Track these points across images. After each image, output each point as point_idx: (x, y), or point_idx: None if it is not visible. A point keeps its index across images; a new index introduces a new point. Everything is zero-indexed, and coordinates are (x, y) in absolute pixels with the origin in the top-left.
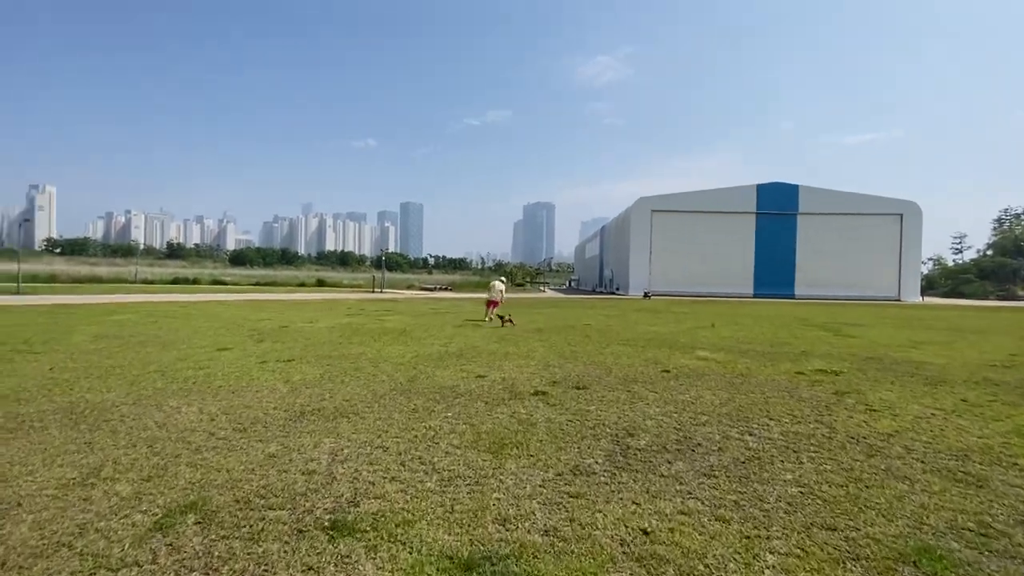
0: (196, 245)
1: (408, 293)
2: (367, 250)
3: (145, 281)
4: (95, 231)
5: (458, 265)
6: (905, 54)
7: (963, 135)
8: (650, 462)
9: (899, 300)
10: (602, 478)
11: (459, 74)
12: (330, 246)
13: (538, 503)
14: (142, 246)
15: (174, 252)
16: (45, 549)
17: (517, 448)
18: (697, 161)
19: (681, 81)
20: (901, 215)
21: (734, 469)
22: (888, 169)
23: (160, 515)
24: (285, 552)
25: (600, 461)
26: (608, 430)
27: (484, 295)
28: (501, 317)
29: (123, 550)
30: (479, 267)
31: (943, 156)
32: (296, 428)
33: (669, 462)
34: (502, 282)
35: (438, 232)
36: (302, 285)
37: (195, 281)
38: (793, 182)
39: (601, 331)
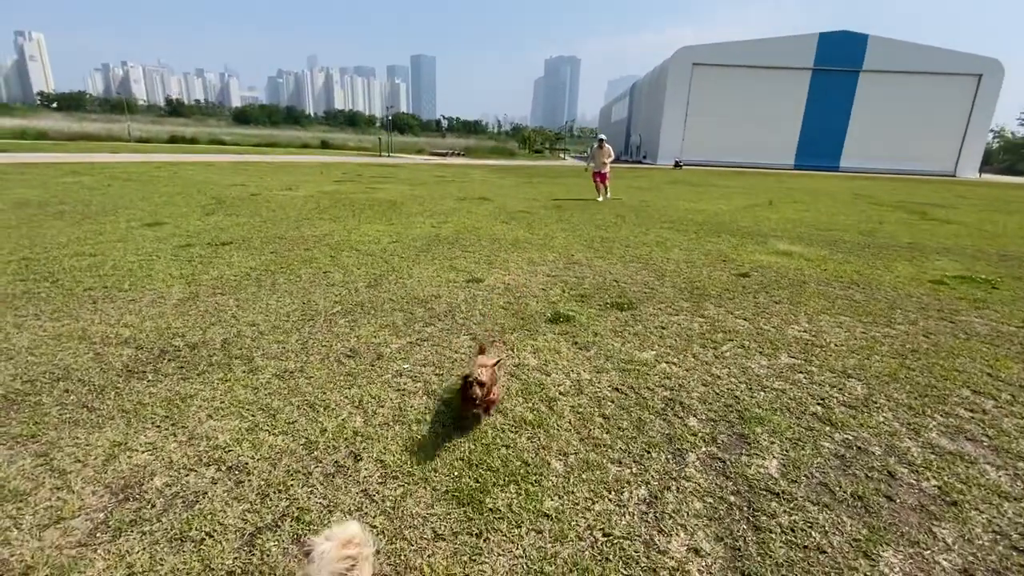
0: (198, 102)
1: (417, 158)
2: (377, 109)
3: (140, 140)
4: (94, 85)
5: (473, 128)
6: None
7: None
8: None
9: (954, 176)
10: None
11: None
12: (338, 104)
13: None
14: (142, 102)
15: (175, 109)
16: None
17: (516, 485)
18: (741, 9)
19: None
20: (980, 76)
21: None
22: (968, 24)
23: None
24: None
25: (707, 542)
26: (697, 420)
27: (500, 163)
28: None
29: None
30: (495, 131)
31: None
32: (115, 395)
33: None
34: (605, 144)
35: (452, 92)
36: (305, 147)
37: (193, 140)
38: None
39: (636, 209)
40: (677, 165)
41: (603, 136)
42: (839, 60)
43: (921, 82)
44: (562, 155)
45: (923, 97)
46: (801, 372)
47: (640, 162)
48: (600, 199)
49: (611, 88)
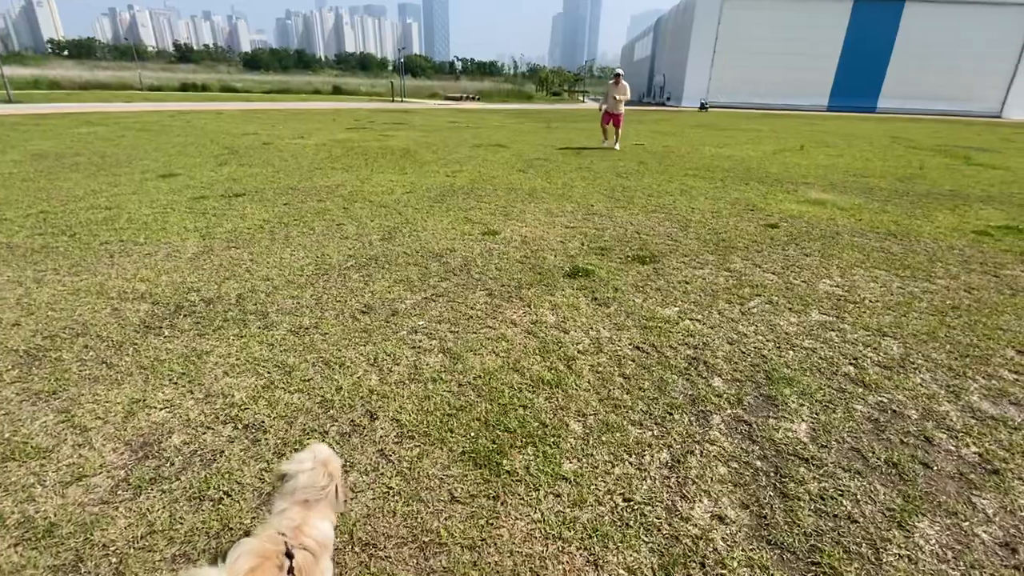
0: (206, 46)
1: (431, 103)
2: (389, 52)
3: (152, 88)
4: (102, 30)
5: (488, 70)
6: None
7: None
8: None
9: (1000, 117)
10: None
11: None
12: (349, 47)
13: None
14: (151, 48)
15: (184, 55)
16: None
17: (534, 447)
18: None
19: None
20: None
21: None
22: None
23: None
24: None
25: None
26: (722, 381)
27: (516, 107)
28: None
29: None
30: (512, 72)
31: None
32: (133, 351)
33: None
34: (622, 79)
35: (467, 32)
36: (317, 92)
37: (204, 88)
38: None
39: (659, 156)
40: (703, 107)
41: (620, 70)
42: None
43: (973, 12)
44: (581, 97)
45: (972, 29)
46: (833, 330)
47: (664, 104)
48: (606, 144)
49: (635, 24)
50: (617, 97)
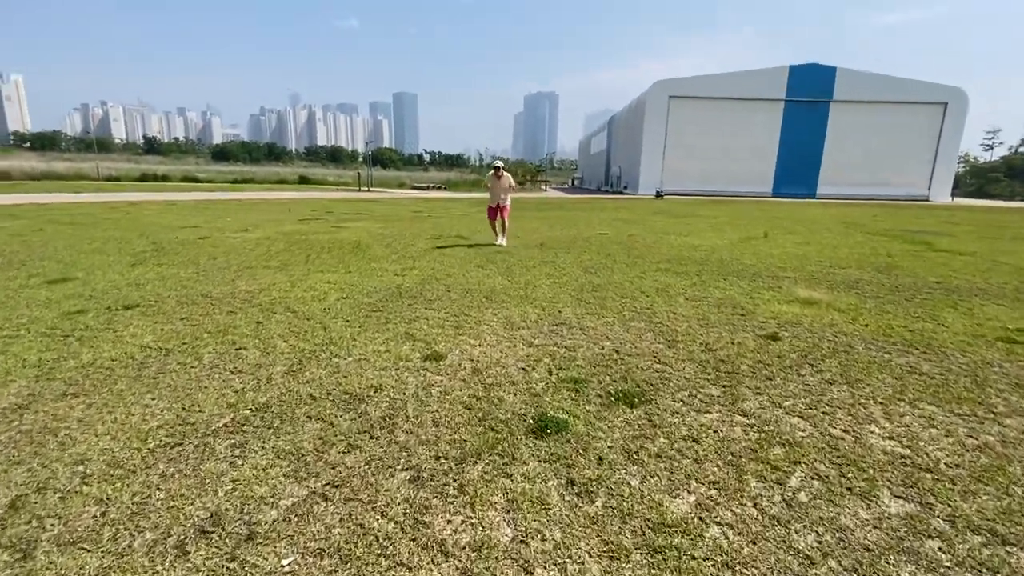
0: (176, 139)
1: (398, 192)
2: (360, 145)
3: (109, 178)
4: (72, 125)
5: (455, 162)
6: None
7: (1018, 14)
8: None
9: (927, 199)
10: None
11: None
12: (321, 141)
13: None
14: (119, 141)
15: (153, 147)
16: None
17: None
18: (705, 41)
19: None
20: (945, 104)
21: None
22: (926, 59)
23: None
24: None
25: None
26: None
27: (481, 195)
28: None
29: None
30: (477, 163)
31: (993, 40)
32: None
33: None
34: (503, 170)
35: (434, 128)
36: (282, 183)
37: (164, 178)
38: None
39: (626, 246)
40: (659, 195)
41: (499, 162)
42: (810, 91)
43: (890, 111)
44: (543, 187)
45: (893, 125)
46: (928, 534)
47: (621, 192)
48: (499, 242)
49: (589, 121)
50: (502, 194)
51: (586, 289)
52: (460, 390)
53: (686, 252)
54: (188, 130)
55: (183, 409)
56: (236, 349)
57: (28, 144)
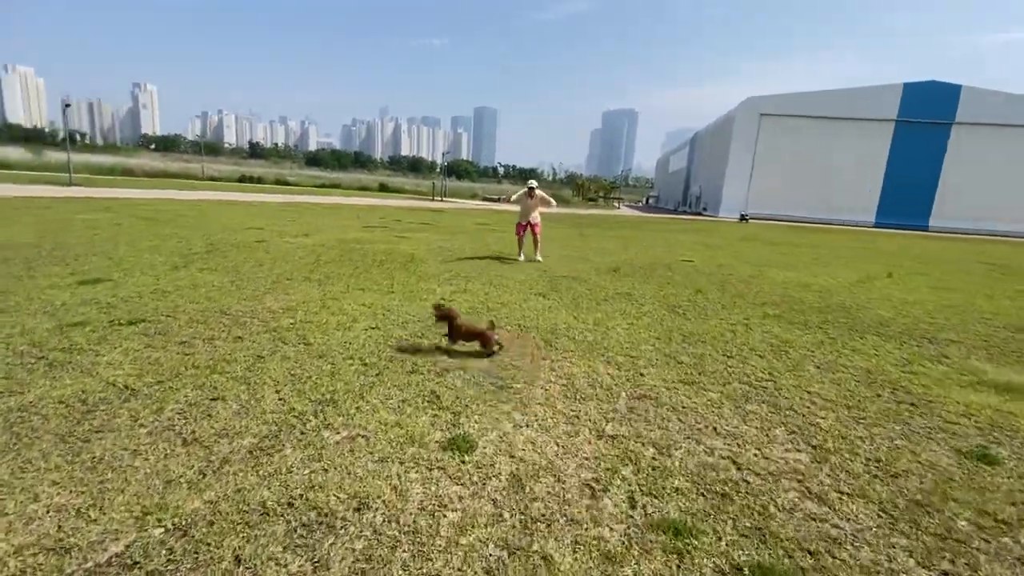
0: (276, 145)
1: (469, 203)
2: (439, 158)
3: (212, 178)
4: (193, 129)
5: (528, 175)
6: None
7: None
8: None
9: None
10: None
11: None
12: (405, 151)
13: None
14: (228, 145)
15: (255, 152)
16: None
17: None
18: (804, 62)
19: None
20: None
21: None
22: None
23: None
24: None
25: None
26: None
27: (551, 210)
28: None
29: None
30: (550, 178)
31: None
32: None
33: None
34: (537, 189)
35: (511, 142)
36: (364, 189)
37: (259, 180)
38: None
39: (717, 278)
40: (743, 218)
41: (534, 182)
42: (927, 112)
43: (1020, 134)
44: (616, 204)
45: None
46: None
47: (700, 213)
48: (521, 259)
49: (669, 139)
50: (533, 212)
51: (675, 338)
52: (486, 526)
53: (795, 292)
54: (287, 137)
55: (75, 513)
56: (211, 400)
57: (153, 146)
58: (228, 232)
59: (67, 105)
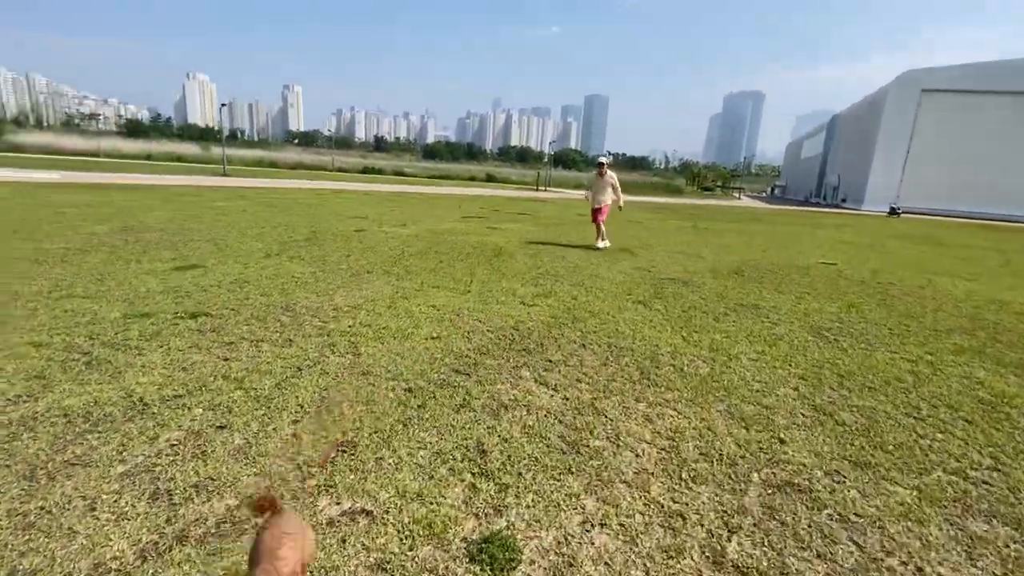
0: (397, 139)
1: (573, 193)
2: (547, 147)
3: (340, 170)
4: (329, 125)
5: (638, 164)
6: None
7: None
8: None
9: None
10: None
11: None
12: (514, 142)
13: None
14: (358, 139)
15: (379, 146)
16: None
17: None
18: (969, 31)
19: None
20: None
21: None
22: None
23: None
24: None
25: None
26: None
27: (663, 200)
28: None
29: None
30: (662, 167)
31: None
32: None
33: None
34: (607, 167)
35: (624, 128)
36: (472, 179)
37: (379, 171)
38: None
39: (874, 289)
40: (893, 212)
41: (603, 158)
42: None
43: None
44: (736, 194)
45: None
46: None
47: (838, 205)
48: (600, 245)
49: (800, 124)
50: (604, 193)
51: (827, 379)
52: None
53: (989, 313)
54: (408, 131)
55: None
56: (216, 428)
57: (296, 141)
58: (334, 220)
59: (223, 105)
